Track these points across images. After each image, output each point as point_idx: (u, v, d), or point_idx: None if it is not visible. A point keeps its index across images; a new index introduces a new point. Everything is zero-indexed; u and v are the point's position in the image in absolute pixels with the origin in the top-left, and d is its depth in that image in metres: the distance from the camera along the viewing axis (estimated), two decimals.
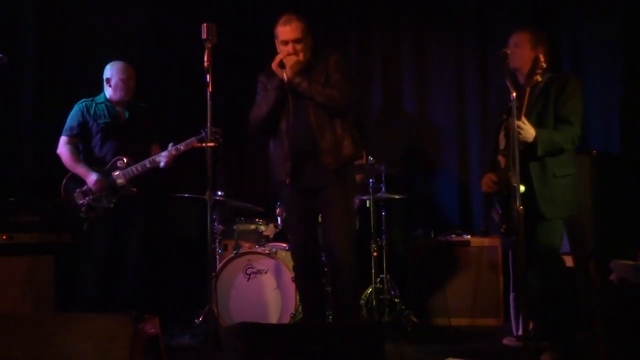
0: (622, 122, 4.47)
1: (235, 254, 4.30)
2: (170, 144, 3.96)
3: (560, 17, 4.95)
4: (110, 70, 4.10)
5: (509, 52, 3.12)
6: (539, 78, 3.18)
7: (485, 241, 4.69)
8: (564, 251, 3.77)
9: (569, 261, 3.79)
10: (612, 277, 3.27)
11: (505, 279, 4.54)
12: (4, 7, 4.49)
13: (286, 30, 3.44)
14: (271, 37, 3.54)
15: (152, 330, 2.61)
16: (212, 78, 2.97)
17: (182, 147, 3.95)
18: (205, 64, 2.97)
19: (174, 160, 3.99)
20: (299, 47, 3.42)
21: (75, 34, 4.77)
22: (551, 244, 3.36)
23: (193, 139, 3.92)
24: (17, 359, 2.48)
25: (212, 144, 3.05)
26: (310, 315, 3.60)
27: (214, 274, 4.10)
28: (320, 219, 3.65)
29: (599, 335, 3.40)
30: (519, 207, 2.89)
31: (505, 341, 3.93)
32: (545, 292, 3.35)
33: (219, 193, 4.44)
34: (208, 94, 2.98)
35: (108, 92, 4.11)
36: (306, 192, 3.51)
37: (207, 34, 2.99)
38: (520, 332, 3.86)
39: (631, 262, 3.14)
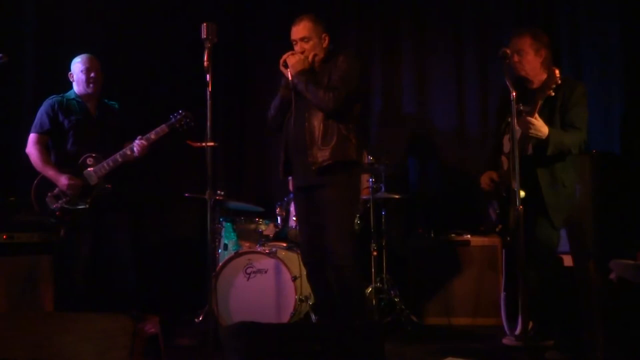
0: (623, 122, 4.47)
1: (235, 253, 4.30)
2: (138, 137, 3.84)
3: (560, 17, 4.95)
4: (72, 65, 3.96)
5: (508, 51, 3.11)
6: (552, 93, 3.14)
7: (485, 241, 4.68)
8: (564, 250, 3.79)
9: (568, 261, 3.80)
10: (612, 277, 3.28)
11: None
12: (4, 7, 4.49)
13: (294, 29, 3.47)
14: (271, 37, 3.54)
15: (152, 330, 2.61)
16: (212, 77, 2.97)
17: (152, 135, 3.85)
18: (205, 63, 2.97)
19: (148, 149, 3.85)
20: (306, 46, 3.43)
21: (75, 33, 4.77)
22: (551, 245, 3.39)
23: (163, 125, 3.86)
24: (17, 359, 2.48)
25: (211, 144, 3.04)
26: (320, 308, 3.64)
27: (214, 273, 4.10)
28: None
29: (599, 335, 3.40)
30: (519, 206, 2.88)
31: (505, 341, 3.92)
32: (547, 292, 3.35)
33: (219, 192, 4.44)
34: (208, 93, 2.98)
35: (74, 87, 3.97)
36: (303, 191, 3.52)
37: (207, 33, 2.99)
38: (517, 332, 3.85)
39: (631, 262, 3.15)
